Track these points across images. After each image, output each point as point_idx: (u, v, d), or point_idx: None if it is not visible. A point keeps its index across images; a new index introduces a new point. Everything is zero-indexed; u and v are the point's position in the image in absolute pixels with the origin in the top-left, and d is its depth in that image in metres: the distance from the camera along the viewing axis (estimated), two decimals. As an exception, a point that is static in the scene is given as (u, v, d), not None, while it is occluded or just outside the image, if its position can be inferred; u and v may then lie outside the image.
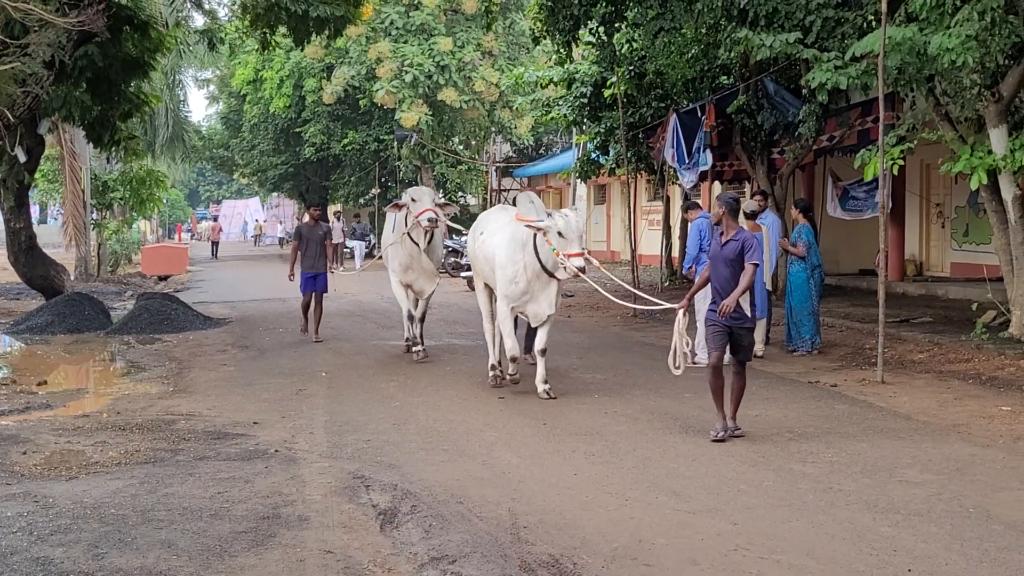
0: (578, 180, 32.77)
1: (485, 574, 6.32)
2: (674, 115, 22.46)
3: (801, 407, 11.25)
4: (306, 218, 18.97)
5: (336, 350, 16.55)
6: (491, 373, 12.97)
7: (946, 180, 22.62)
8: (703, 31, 19.19)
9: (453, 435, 10.27)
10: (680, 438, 9.91)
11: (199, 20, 31.27)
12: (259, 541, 6.98)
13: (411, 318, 15.66)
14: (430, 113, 41.68)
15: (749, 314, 9.89)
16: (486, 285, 13.23)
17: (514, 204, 13.12)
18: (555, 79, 27.71)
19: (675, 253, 27.63)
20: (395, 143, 43.81)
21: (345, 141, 45.81)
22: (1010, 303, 14.87)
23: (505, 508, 7.69)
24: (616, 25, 22.19)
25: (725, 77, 23.61)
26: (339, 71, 42.68)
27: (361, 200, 51.02)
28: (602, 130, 26.48)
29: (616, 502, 7.89)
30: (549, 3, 21.20)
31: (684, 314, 10.10)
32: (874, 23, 14.69)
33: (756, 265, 9.76)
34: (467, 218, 49.08)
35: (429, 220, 14.66)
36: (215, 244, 61.78)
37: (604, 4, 20.91)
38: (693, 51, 21.89)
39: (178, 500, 7.93)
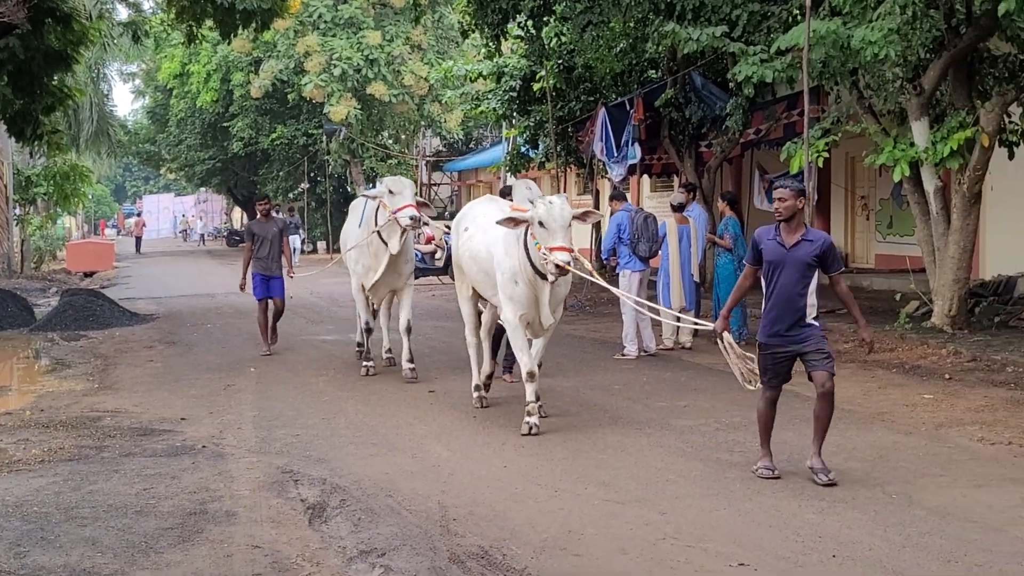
0: (508, 174, 32.78)
1: (415, 566, 6.31)
2: (603, 109, 22.52)
3: (728, 397, 11.33)
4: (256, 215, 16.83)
5: (265, 345, 16.43)
6: (475, 395, 11.22)
7: (870, 173, 22.93)
8: (631, 25, 19.24)
9: (382, 429, 10.24)
10: (609, 430, 9.95)
11: (123, 13, 30.84)
12: (186, 537, 6.92)
13: (369, 331, 13.85)
14: (359, 107, 41.53)
15: (815, 323, 8.04)
16: (473, 291, 11.31)
17: (505, 196, 11.82)
18: (484, 73, 27.71)
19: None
20: (324, 137, 43.55)
21: (273, 135, 45.49)
22: (932, 293, 15.10)
23: (435, 501, 7.68)
24: (544, 19, 22.19)
25: (653, 71, 23.74)
26: (267, 65, 42.38)
27: (291, 195, 50.67)
28: (531, 124, 26.50)
29: (546, 493, 7.91)
30: (477, -3, 21.18)
31: (723, 332, 8.37)
32: (799, 17, 14.83)
33: (842, 273, 8.21)
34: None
35: (412, 219, 12.41)
36: (138, 239, 61.76)
37: (532, -2, 20.94)
38: (621, 45, 21.95)
39: (103, 497, 7.84)
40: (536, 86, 25.48)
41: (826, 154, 15.48)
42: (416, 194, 13.07)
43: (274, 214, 16.52)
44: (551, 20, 22.66)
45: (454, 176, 51.13)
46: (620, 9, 18.18)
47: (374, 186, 44.96)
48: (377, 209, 12.89)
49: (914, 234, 16.41)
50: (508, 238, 10.15)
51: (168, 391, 12.55)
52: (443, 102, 40.87)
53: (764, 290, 8.07)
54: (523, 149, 28.60)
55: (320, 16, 41.60)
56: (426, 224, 14.93)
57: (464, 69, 29.23)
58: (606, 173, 24.31)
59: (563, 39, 24.16)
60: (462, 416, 10.79)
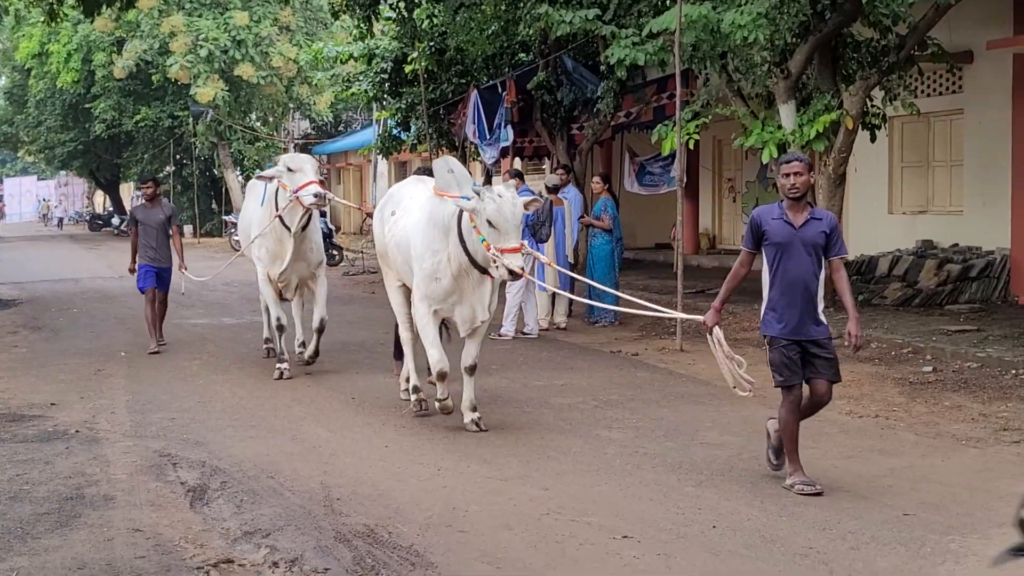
0: (379, 157, 32.65)
1: (300, 546, 6.28)
2: (475, 91, 22.55)
3: (605, 375, 11.48)
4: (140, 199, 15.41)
5: (136, 330, 16.04)
6: (412, 398, 9.86)
7: (737, 155, 23.40)
8: (503, 7, 19.30)
9: (261, 411, 10.15)
10: (488, 409, 9.98)
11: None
12: (63, 522, 6.78)
13: (281, 328, 12.09)
14: (226, 89, 40.87)
15: (824, 319, 7.30)
16: (402, 283, 10.02)
17: (429, 174, 10.33)
18: (355, 55, 27.43)
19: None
20: (190, 119, 42.80)
21: (138, 117, 44.50)
22: (799, 273, 15.43)
23: (317, 481, 7.65)
24: (416, 0, 22.12)
25: (525, 54, 23.81)
26: (131, 45, 41.42)
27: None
28: (403, 106, 26.38)
29: (429, 472, 7.94)
30: (348, -23, 21.02)
31: (714, 326, 7.61)
32: (670, 1, 15.01)
33: (844, 259, 7.48)
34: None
35: (316, 196, 11.21)
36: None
37: (404, -21, 20.88)
38: (493, 27, 21.96)
39: (-27, 484, 7.64)
40: (408, 68, 25.36)
41: (696, 136, 15.74)
42: (319, 171, 11.83)
43: (164, 199, 14.88)
44: (423, 2, 22.60)
45: (324, 159, 50.67)
46: (492, -9, 18.22)
47: (245, 170, 44.14)
48: (277, 191, 11.66)
49: (781, 215, 16.73)
50: (429, 230, 9.04)
51: (36, 376, 12.25)
52: (313, 84, 40.49)
53: (768, 277, 7.27)
54: (395, 132, 28.47)
55: (185, -5, 40.85)
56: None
57: (334, 51, 28.92)
58: (478, 156, 24.35)
59: (435, 21, 24.09)
60: (341, 397, 10.75)
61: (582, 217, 15.71)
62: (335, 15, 23.69)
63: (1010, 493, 7.17)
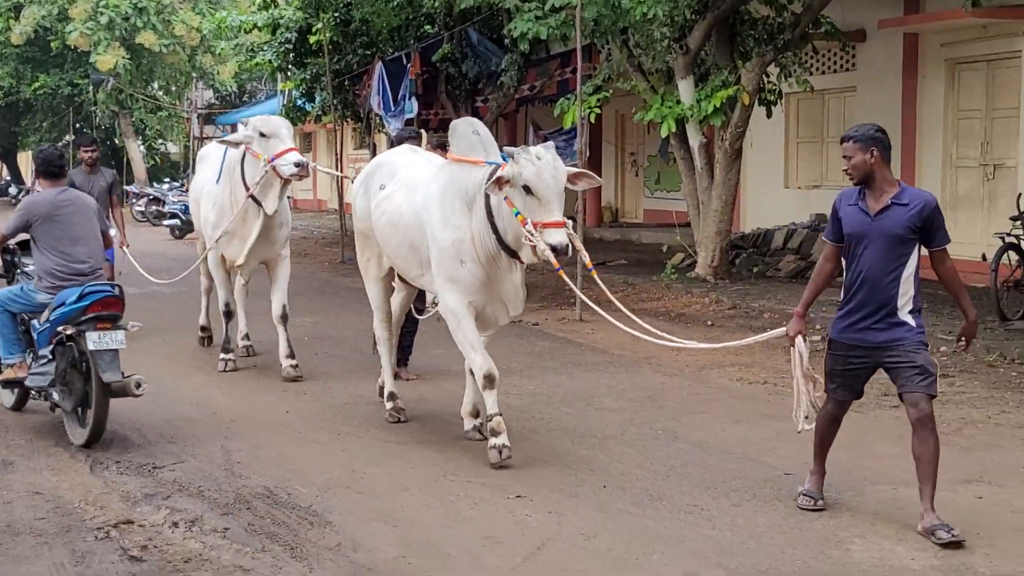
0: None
1: (200, 507, 6.41)
2: (380, 63, 22.57)
3: (505, 344, 11.65)
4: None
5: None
6: (388, 405, 8.54)
7: (639, 129, 23.69)
8: (408, -21, 19.34)
9: (162, 378, 10.13)
10: (390, 376, 10.16)
11: None
12: (-39, 487, 6.82)
13: (230, 314, 10.61)
14: (128, 57, 40.18)
15: (911, 320, 6.08)
16: (385, 272, 8.58)
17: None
18: (259, 24, 27.22)
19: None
20: (90, 87, 42.10)
21: (36, 85, 43.57)
22: (696, 245, 15.81)
23: (218, 446, 7.77)
24: (321, -30, 22.06)
25: (430, 26, 23.84)
26: (28, 10, 40.50)
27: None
28: (308, 77, 26.25)
29: (329, 437, 8.10)
30: (252, -54, 20.88)
31: (797, 336, 6.35)
32: (572, -24, 15.23)
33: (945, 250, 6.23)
34: (169, 167, 48.00)
35: (297, 165, 9.62)
36: None
37: (309, -51, 20.79)
38: (398, -1, 22.02)
39: None
40: (312, 39, 25.22)
41: (598, 111, 15.98)
42: (294, 136, 10.00)
43: (102, 167, 12.74)
44: (327, -29, 22.53)
45: (228, 129, 50.10)
46: (397, -37, 18.27)
47: (147, 139, 43.42)
48: (244, 159, 9.92)
49: (680, 189, 17.10)
50: (448, 201, 7.49)
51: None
52: (216, 53, 39.98)
53: (844, 273, 6.23)
54: (299, 102, 28.33)
55: (85, -39, 40.09)
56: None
57: (238, 20, 28.66)
58: (383, 127, 24.36)
59: (340, -9, 24.03)
60: (242, 364, 10.80)
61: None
62: (239, -16, 23.50)
63: (886, 453, 7.56)
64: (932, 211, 6.07)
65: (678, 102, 14.87)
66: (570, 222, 7.15)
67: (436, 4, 19.17)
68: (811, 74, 16.93)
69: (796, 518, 6.18)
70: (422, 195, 7.76)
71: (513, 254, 7.26)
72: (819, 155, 18.56)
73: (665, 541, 5.84)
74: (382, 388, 8.76)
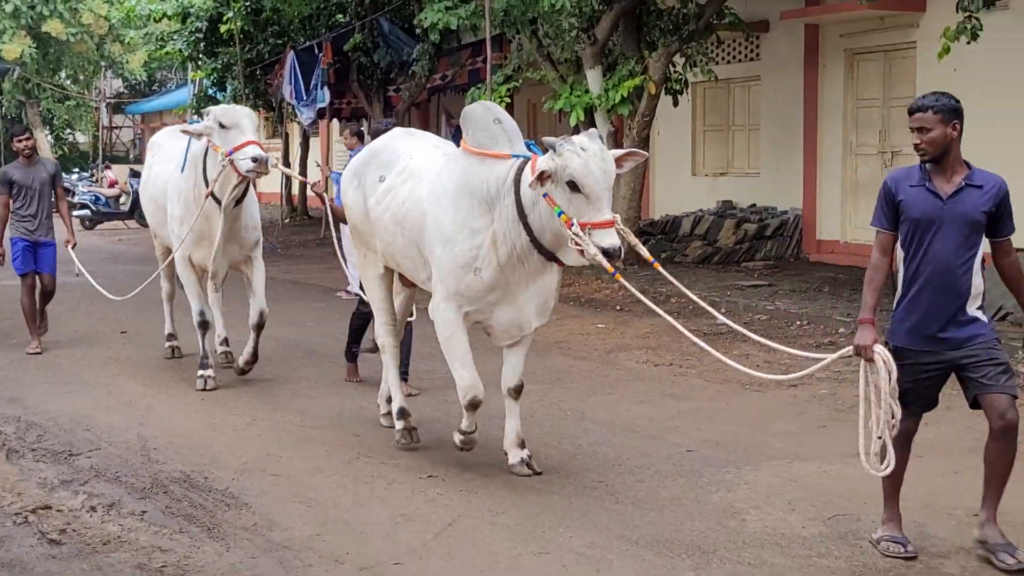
0: (195, 117, 32.25)
1: (117, 492, 6.52)
2: (291, 52, 22.60)
3: (417, 331, 11.72)
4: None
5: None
6: (398, 424, 7.50)
7: (550, 118, 23.90)
8: (319, -31, 19.40)
9: (76, 368, 10.22)
10: (303, 363, 10.30)
11: None
12: None
13: (205, 324, 9.61)
14: (34, 45, 39.55)
15: (983, 315, 5.36)
16: (387, 269, 7.59)
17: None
18: (168, 13, 27.02)
19: (295, 191, 27.78)
20: (-4, 77, 41.44)
21: (-61, 73, 42.88)
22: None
23: (134, 433, 7.85)
24: (231, -41, 22.04)
25: (341, 15, 23.91)
26: (-70, -2, 39.84)
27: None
28: (219, 66, 26.22)
29: (244, 422, 8.23)
30: (161, -66, 20.78)
31: (873, 346, 5.30)
32: (482, -33, 15.42)
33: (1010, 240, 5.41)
34: (77, 158, 47.32)
35: (256, 160, 8.58)
36: None
37: (218, -62, 20.74)
38: (309, -12, 22.07)
39: None
40: (223, 28, 25.13)
41: (508, 100, 16.17)
42: (258, 128, 9.30)
43: (42, 158, 11.58)
44: (238, -39, 22.50)
45: (137, 119, 49.60)
46: (308, -47, 18.33)
47: (55, 129, 42.65)
48: (206, 153, 9.03)
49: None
50: (464, 201, 6.53)
51: None
52: (125, 42, 39.52)
53: (904, 266, 5.40)
54: (210, 91, 28.26)
55: (-11, -51, 39.43)
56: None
57: (148, 9, 28.39)
58: (295, 116, 24.36)
59: (251, -19, 24.00)
60: (154, 355, 10.86)
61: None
62: (148, -28, 23.35)
63: (783, 431, 7.88)
64: (1005, 195, 5.33)
65: (587, 91, 15.12)
66: (617, 216, 6.19)
67: (347, -6, 19.28)
68: (716, 64, 17.31)
69: (696, 491, 6.44)
70: (428, 187, 6.81)
71: (550, 256, 6.42)
72: (725, 143, 18.94)
73: (570, 515, 6.06)
74: (389, 402, 7.70)
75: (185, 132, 9.32)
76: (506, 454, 6.90)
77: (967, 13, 11.08)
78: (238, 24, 23.52)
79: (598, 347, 10.85)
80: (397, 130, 7.86)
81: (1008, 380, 5.23)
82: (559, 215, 6.06)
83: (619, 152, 6.39)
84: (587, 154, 6.02)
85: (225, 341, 10.38)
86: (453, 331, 6.69)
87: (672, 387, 9.28)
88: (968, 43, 11.37)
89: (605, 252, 5.96)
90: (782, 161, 17.25)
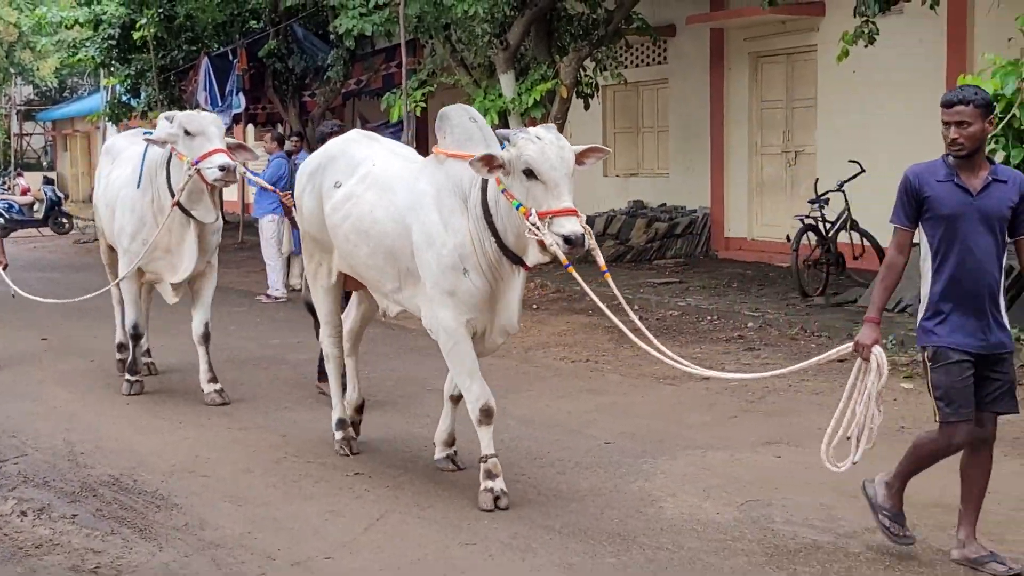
0: (108, 123, 31.89)
1: (47, 496, 6.52)
2: (206, 58, 22.46)
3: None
4: None
5: None
6: (339, 435, 7.36)
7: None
8: (232, -25, 19.32)
9: (-2, 376, 10.14)
10: (227, 366, 10.20)
11: None
12: None
13: (138, 336, 9.22)
14: (-58, 53, 38.98)
15: (1006, 320, 5.17)
16: (336, 281, 7.31)
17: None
18: (80, 20, 26.69)
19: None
20: (-97, 84, 40.64)
21: None
22: (522, 232, 16.20)
23: (60, 438, 7.83)
24: (144, -34, 21.84)
25: (255, 22, 23.77)
26: None
27: None
28: (132, 72, 25.91)
29: (171, 425, 8.24)
30: (73, -58, 20.53)
31: (874, 345, 5.14)
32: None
33: None
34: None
35: (223, 169, 8.17)
36: None
37: (130, -55, 20.55)
38: (223, -5, 21.93)
39: None
40: (136, 34, 24.81)
41: (423, 104, 16.29)
42: (224, 134, 8.67)
43: None
44: (151, -32, 22.29)
45: (48, 126, 48.85)
46: (221, -40, 18.27)
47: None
48: (169, 160, 8.54)
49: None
50: (446, 200, 6.28)
51: None
52: (36, 49, 38.89)
53: (931, 262, 5.13)
54: (124, 98, 27.94)
55: None
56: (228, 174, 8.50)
57: (59, 16, 28.05)
58: (211, 122, 24.15)
59: (163, -13, 23.77)
60: (78, 361, 10.78)
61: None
62: (59, -21, 23.08)
63: (697, 422, 8.10)
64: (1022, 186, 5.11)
65: (500, 95, 15.26)
66: (583, 215, 5.92)
67: (261, 0, 19.18)
68: (625, 67, 17.55)
69: (615, 481, 6.61)
70: (407, 196, 6.47)
71: (517, 260, 6.11)
72: (635, 144, 19.19)
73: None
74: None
75: (148, 140, 8.75)
76: (435, 445, 6.96)
77: (864, 18, 11.38)
78: (151, 31, 23.29)
79: (516, 345, 10.98)
80: (353, 133, 7.46)
81: (1008, 394, 5.09)
82: (517, 208, 5.79)
83: (580, 148, 6.07)
84: (543, 142, 5.79)
85: (148, 351, 10.06)
86: (457, 340, 6.31)
87: (589, 382, 9.46)
88: (866, 46, 11.69)
89: (566, 239, 5.65)
90: (690, 161, 17.54)
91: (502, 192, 5.90)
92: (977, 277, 5.01)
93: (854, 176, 12.85)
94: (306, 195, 7.19)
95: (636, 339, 6.27)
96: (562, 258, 5.71)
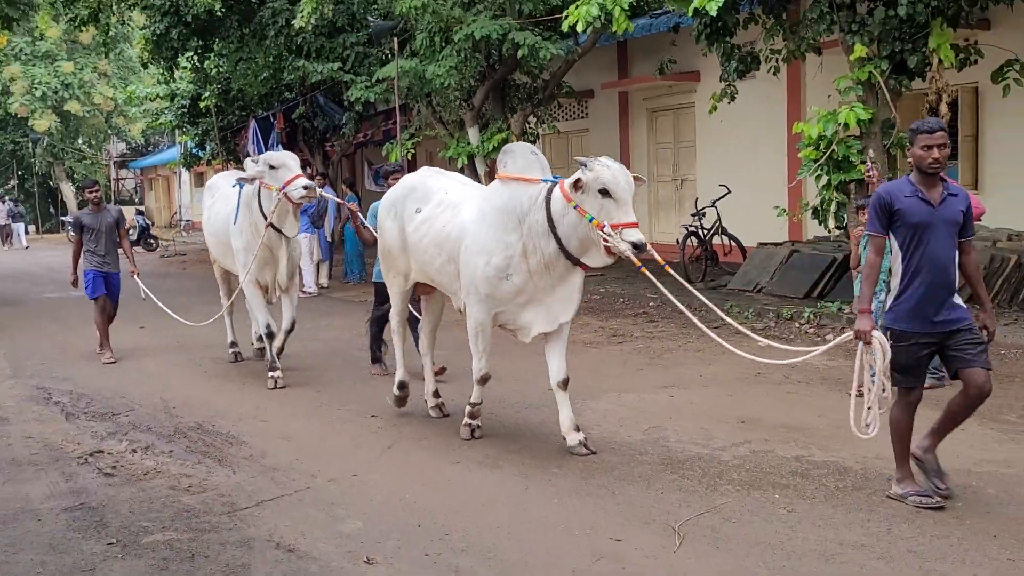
0: (182, 169, 31.68)
1: (150, 438, 6.59)
2: (253, 120, 22.36)
3: (358, 318, 11.84)
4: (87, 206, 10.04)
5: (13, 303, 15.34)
6: (397, 392, 7.10)
7: (444, 164, 24.08)
8: (271, 60, 19.22)
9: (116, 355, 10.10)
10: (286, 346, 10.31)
11: None
12: (-28, 437, 6.79)
13: (272, 335, 8.45)
14: (58, 120, 38.29)
15: (961, 301, 4.88)
16: (416, 283, 6.84)
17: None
18: (160, 94, 26.58)
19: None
20: (30, 144, 40.00)
21: (-16, 144, 41.16)
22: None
23: (158, 397, 7.88)
24: (206, 54, 21.69)
25: (289, 92, 23.67)
26: (-25, 88, 38.24)
27: (2, 189, 46.10)
28: (199, 132, 25.72)
29: (237, 386, 8.31)
30: (154, 39, 20.32)
31: (871, 332, 4.77)
32: (391, 56, 15.51)
33: (971, 241, 4.94)
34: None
35: (306, 188, 7.87)
36: None
37: (196, 40, 20.37)
38: (264, 74, 21.74)
39: None
40: (202, 103, 24.74)
41: (413, 151, 16.34)
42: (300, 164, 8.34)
43: (106, 205, 10.38)
44: (211, 55, 22.16)
45: (137, 172, 48.29)
46: (263, 49, 18.21)
47: (76, 181, 41.39)
48: (259, 193, 8.22)
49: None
50: (505, 219, 5.87)
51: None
52: (127, 116, 38.53)
53: (902, 261, 4.82)
54: (194, 150, 27.74)
55: (21, 50, 37.97)
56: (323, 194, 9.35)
57: (144, 91, 27.87)
58: (258, 167, 24.01)
59: (221, 69, 23.59)
60: (169, 341, 10.78)
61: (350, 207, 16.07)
62: (144, 65, 22.86)
63: (613, 373, 8.22)
64: (969, 202, 4.90)
65: (468, 143, 15.32)
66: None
67: (293, 77, 19.08)
68: (557, 121, 17.63)
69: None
70: (474, 212, 6.08)
71: (576, 260, 5.79)
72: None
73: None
74: (399, 389, 7.09)
75: (241, 180, 8.37)
76: (564, 439, 6.04)
77: (727, 82, 11.55)
78: (213, 101, 23.20)
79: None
80: (427, 170, 6.91)
81: (985, 357, 4.74)
82: (590, 220, 5.48)
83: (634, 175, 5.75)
84: (614, 167, 5.53)
85: (260, 337, 9.33)
86: (482, 328, 6.10)
87: (537, 349, 9.49)
88: (729, 102, 11.85)
89: (634, 246, 5.40)
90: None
91: (573, 208, 5.57)
92: (940, 270, 4.73)
93: (723, 196, 13.04)
94: (389, 219, 6.73)
95: (737, 325, 6.27)
96: (635, 260, 5.54)
